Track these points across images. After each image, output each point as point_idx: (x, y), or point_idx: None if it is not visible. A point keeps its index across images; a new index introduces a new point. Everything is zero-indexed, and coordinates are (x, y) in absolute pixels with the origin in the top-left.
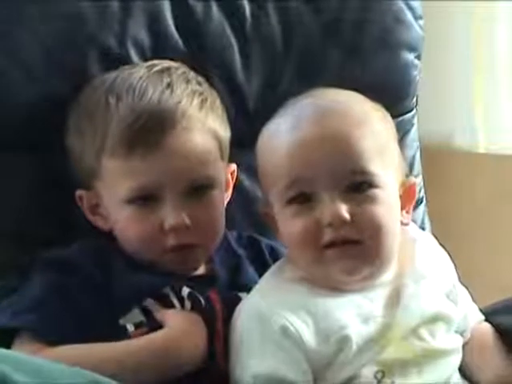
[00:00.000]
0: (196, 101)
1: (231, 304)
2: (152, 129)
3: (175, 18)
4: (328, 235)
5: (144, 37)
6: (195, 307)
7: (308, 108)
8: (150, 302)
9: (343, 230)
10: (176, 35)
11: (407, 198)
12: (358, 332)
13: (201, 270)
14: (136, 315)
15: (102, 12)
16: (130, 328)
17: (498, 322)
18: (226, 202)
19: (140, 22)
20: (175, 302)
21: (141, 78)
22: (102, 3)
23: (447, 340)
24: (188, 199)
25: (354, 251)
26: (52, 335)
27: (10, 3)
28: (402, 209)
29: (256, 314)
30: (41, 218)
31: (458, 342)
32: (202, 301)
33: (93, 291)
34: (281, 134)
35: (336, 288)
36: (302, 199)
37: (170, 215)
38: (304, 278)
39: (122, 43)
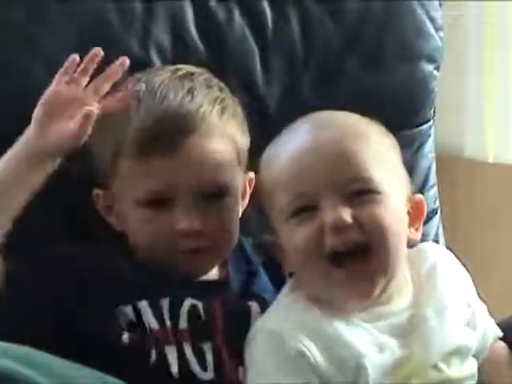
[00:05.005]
0: (217, 107)
1: (236, 315)
2: (170, 133)
3: (197, 21)
4: (330, 241)
5: (166, 40)
6: (193, 323)
7: (306, 124)
8: (143, 305)
9: (347, 233)
10: (197, 39)
11: (416, 214)
12: (374, 362)
13: (214, 276)
14: (128, 312)
15: (125, 14)
16: (123, 324)
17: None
18: (241, 210)
19: (162, 25)
20: (166, 317)
21: (163, 81)
22: (125, 6)
23: (463, 368)
24: (201, 204)
25: (363, 269)
26: None
27: (36, 5)
28: (411, 226)
29: (272, 336)
30: (52, 218)
31: (473, 367)
32: (202, 315)
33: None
34: (280, 150)
35: (346, 312)
36: (304, 210)
37: (182, 219)
38: (317, 297)
39: (144, 46)
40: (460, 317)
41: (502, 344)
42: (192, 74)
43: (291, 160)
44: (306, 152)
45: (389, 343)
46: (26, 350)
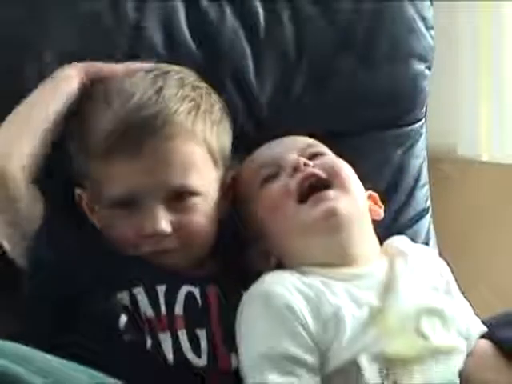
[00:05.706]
0: (184, 106)
1: (231, 302)
2: (134, 134)
3: (189, 21)
4: (295, 180)
5: (158, 39)
6: (189, 309)
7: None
8: (140, 291)
9: (309, 168)
10: (189, 39)
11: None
12: (352, 314)
13: (210, 267)
14: (124, 298)
15: (117, 14)
16: (120, 310)
17: (500, 337)
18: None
19: (154, 25)
20: (162, 303)
21: (134, 82)
22: (117, 4)
23: (448, 337)
24: (169, 206)
25: (326, 193)
26: None
27: (30, 3)
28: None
29: (260, 295)
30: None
31: (461, 342)
32: (199, 302)
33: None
34: (253, 155)
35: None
36: (274, 177)
37: (149, 222)
38: (297, 271)
39: (135, 46)
40: (434, 283)
41: (487, 341)
42: (167, 72)
43: (262, 150)
44: (274, 142)
45: (366, 299)
46: (14, 347)
